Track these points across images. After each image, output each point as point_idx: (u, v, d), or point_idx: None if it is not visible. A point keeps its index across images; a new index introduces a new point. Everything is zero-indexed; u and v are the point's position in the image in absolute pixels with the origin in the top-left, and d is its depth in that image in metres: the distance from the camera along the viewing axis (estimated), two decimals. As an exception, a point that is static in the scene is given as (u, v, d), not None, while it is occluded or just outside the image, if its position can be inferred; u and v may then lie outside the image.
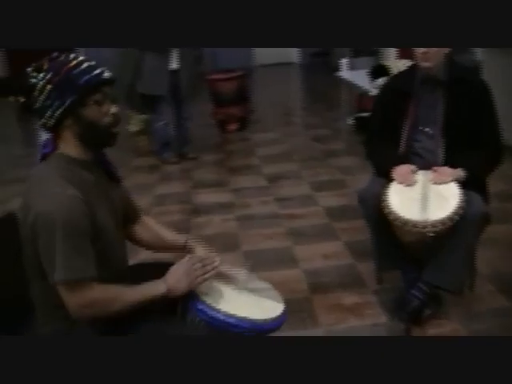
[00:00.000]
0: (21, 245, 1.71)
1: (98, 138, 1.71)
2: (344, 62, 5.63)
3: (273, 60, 11.64)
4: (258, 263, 3.40)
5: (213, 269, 1.80)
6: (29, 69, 1.67)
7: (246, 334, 1.77)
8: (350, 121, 6.13)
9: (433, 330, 2.64)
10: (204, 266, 1.79)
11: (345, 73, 5.61)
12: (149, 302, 1.72)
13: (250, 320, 1.75)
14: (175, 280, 1.74)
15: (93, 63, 1.69)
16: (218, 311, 1.74)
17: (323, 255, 3.45)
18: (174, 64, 5.24)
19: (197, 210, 4.37)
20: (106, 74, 1.69)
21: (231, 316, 1.73)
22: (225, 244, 3.70)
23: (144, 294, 1.72)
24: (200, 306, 1.75)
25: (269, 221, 4.05)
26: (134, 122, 6.22)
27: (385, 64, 4.78)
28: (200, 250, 2.01)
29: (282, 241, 3.70)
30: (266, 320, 1.79)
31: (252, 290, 1.97)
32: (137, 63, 5.23)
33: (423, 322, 2.66)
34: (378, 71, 4.84)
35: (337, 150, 5.60)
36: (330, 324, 2.75)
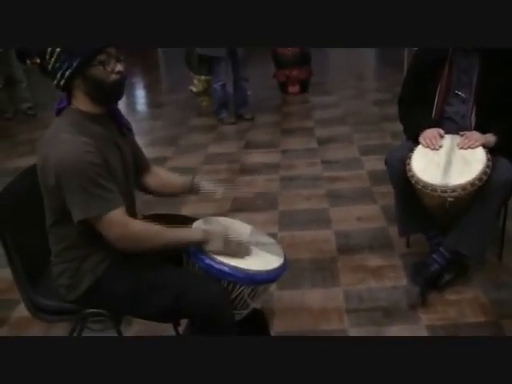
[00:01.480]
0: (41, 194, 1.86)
1: (104, 94, 1.82)
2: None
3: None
4: (292, 223, 3.48)
5: (244, 252, 1.92)
6: None
7: (240, 285, 1.86)
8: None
9: (451, 295, 2.63)
10: (239, 244, 1.91)
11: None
12: (183, 245, 1.86)
13: (244, 270, 1.83)
14: (215, 236, 1.87)
15: None
16: (214, 259, 1.84)
17: (357, 218, 3.47)
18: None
19: (243, 170, 4.46)
20: None
21: (225, 265, 1.82)
22: (264, 203, 3.79)
23: (183, 236, 1.86)
24: (198, 254, 1.86)
25: (311, 182, 4.09)
26: (196, 83, 6.33)
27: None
28: (207, 186, 2.14)
29: (320, 202, 3.74)
30: (260, 271, 1.86)
31: (255, 244, 2.04)
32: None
33: (442, 287, 2.66)
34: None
35: (392, 114, 5.42)
36: (349, 284, 2.80)
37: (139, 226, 1.81)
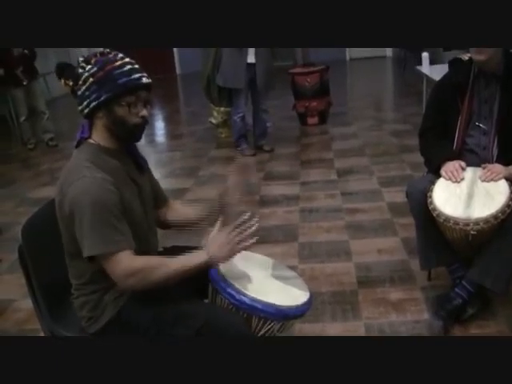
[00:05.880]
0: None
1: (123, 133, 1.83)
2: (425, 55, 5.46)
3: (366, 54, 11.53)
4: (312, 255, 3.46)
5: (251, 232, 1.83)
6: (80, 59, 1.82)
7: (271, 321, 1.83)
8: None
9: (475, 330, 2.58)
10: (241, 231, 1.83)
11: (425, 67, 5.44)
12: (192, 271, 1.80)
13: (276, 305, 1.81)
14: (216, 248, 1.81)
15: (136, 66, 1.81)
16: (245, 295, 1.81)
17: (378, 250, 3.44)
18: (251, 58, 5.35)
19: (263, 202, 4.46)
20: (144, 80, 1.80)
21: (258, 301, 1.80)
22: (284, 235, 3.78)
23: (186, 262, 1.81)
24: (228, 290, 1.82)
25: (331, 214, 4.07)
26: (216, 115, 6.39)
27: (462, 57, 4.60)
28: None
29: (340, 234, 3.72)
30: (290, 307, 1.85)
31: (279, 278, 2.03)
32: (215, 56, 5.43)
33: (466, 321, 2.61)
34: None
35: (412, 145, 5.44)
36: (370, 318, 2.76)
37: (141, 262, 1.78)
